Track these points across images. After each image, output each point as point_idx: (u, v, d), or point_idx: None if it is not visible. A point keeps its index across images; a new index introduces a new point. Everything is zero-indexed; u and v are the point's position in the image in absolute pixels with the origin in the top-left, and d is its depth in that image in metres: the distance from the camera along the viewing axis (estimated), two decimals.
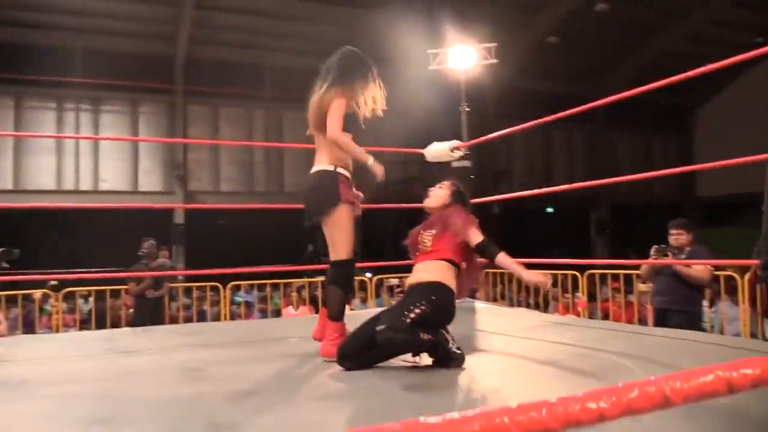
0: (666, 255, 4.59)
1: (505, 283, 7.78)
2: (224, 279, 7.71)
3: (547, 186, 18.38)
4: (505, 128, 4.02)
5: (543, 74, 16.74)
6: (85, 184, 14.73)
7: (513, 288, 7.59)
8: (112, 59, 14.45)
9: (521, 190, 11.90)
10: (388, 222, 16.70)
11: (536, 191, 4.34)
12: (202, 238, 15.05)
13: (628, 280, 6.36)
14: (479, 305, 4.20)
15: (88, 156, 14.79)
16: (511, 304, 7.18)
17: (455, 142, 4.03)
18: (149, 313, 6.41)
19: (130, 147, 15.06)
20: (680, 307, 4.56)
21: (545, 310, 7.17)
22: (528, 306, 7.10)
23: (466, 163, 4.18)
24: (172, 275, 7.60)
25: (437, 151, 3.95)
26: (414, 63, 14.01)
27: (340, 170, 2.93)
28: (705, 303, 5.47)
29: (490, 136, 4.31)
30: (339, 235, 2.83)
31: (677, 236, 4.81)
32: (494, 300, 7.39)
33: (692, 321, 4.49)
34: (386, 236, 16.60)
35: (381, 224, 16.66)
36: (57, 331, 6.76)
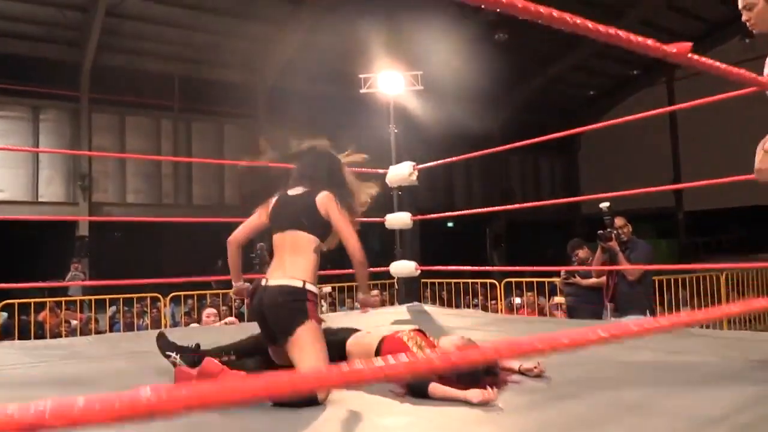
0: (610, 240, 4.78)
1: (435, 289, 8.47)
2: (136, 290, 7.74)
3: (450, 199, 19.27)
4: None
5: (450, 96, 17.76)
6: None
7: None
8: (13, 63, 13.87)
9: (427, 207, 12.54)
10: None
11: (492, 209, 4.95)
12: (107, 251, 14.69)
13: (541, 288, 7.20)
14: (428, 308, 4.75)
15: None
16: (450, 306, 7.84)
17: (410, 165, 4.59)
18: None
19: (31, 155, 14.47)
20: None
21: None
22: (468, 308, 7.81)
23: (416, 183, 4.73)
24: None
25: (399, 175, 4.49)
26: (337, 81, 14.55)
27: (310, 287, 2.44)
28: None
29: (438, 162, 4.92)
30: (306, 358, 2.30)
31: (624, 227, 4.91)
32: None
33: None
34: None
35: None
36: None
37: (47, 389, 2.38)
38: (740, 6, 2.46)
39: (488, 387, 2.09)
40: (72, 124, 15.07)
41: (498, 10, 0.93)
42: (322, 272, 2.74)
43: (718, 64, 1.31)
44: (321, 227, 2.57)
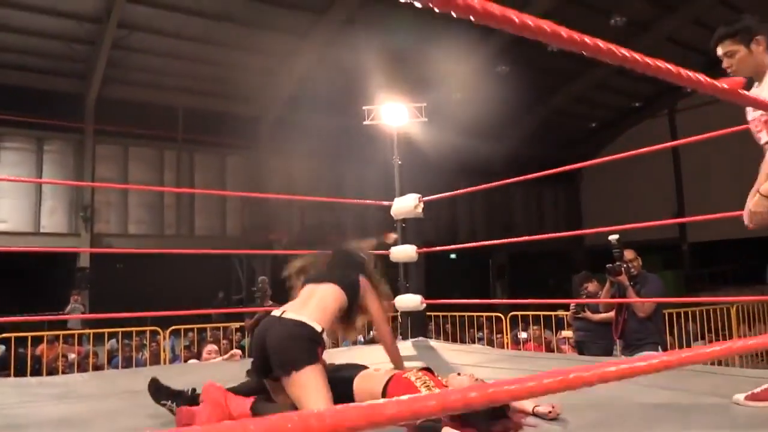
0: (620, 274, 4.57)
1: (439, 324, 8.33)
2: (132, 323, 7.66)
3: (453, 231, 19.16)
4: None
5: (452, 128, 17.83)
6: None
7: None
8: (19, 95, 13.95)
9: (432, 238, 12.38)
10: None
11: (497, 241, 4.88)
12: (108, 282, 14.58)
13: (547, 322, 7.08)
14: (434, 343, 4.63)
15: None
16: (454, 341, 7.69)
17: (415, 197, 4.52)
18: None
19: (33, 186, 14.48)
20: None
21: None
22: (473, 343, 7.66)
23: (421, 215, 4.65)
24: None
25: (404, 207, 4.42)
26: (340, 113, 14.62)
27: (325, 337, 2.40)
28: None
29: (444, 195, 4.86)
30: (313, 399, 2.17)
31: (634, 261, 4.72)
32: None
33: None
34: None
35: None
36: None
37: (37, 431, 2.27)
38: (720, 53, 2.45)
39: None
40: (76, 156, 15.11)
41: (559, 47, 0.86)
42: None
43: None
44: (355, 294, 2.61)
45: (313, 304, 2.44)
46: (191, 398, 2.41)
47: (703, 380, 2.85)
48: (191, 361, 4.92)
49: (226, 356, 5.53)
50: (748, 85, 2.50)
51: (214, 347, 5.33)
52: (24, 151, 14.55)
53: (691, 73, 0.97)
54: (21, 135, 14.43)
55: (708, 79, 1.00)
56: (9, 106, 13.75)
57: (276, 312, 2.44)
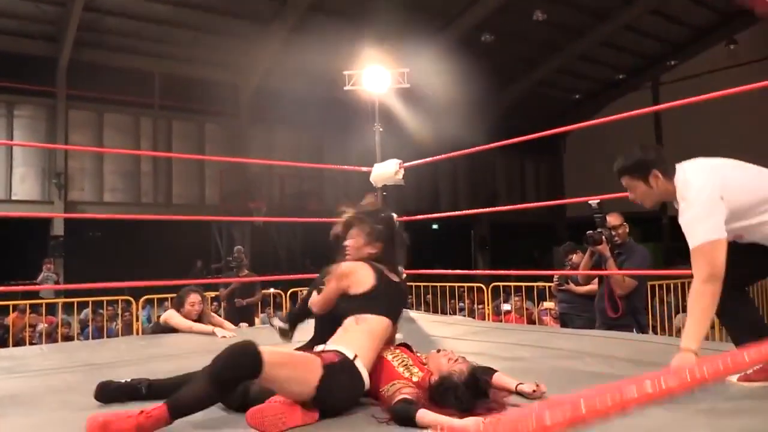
0: (600, 243, 4.04)
1: (422, 294, 8.23)
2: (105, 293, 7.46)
3: (435, 202, 19.04)
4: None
5: (431, 100, 17.58)
6: None
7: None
8: None
9: (413, 209, 12.25)
10: (282, 235, 16.79)
11: (481, 210, 4.74)
12: (83, 250, 14.29)
13: (529, 293, 7.00)
14: (414, 315, 4.51)
15: None
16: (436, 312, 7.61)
17: (396, 162, 4.35)
18: (239, 318, 6.57)
19: (4, 152, 14.05)
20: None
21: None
22: (454, 314, 7.58)
23: (402, 182, 4.48)
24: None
25: (384, 173, 4.23)
26: (321, 81, 14.30)
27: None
28: None
29: (425, 160, 4.68)
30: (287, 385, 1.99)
31: (619, 228, 4.22)
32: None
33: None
34: (279, 249, 16.70)
35: (275, 237, 16.68)
36: None
37: None
38: (624, 184, 2.46)
39: (487, 416, 1.83)
40: (48, 121, 14.66)
41: None
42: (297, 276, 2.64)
43: None
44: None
45: (375, 347, 2.23)
46: (145, 396, 2.17)
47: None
48: (169, 311, 4.30)
49: (222, 337, 4.10)
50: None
51: (198, 297, 4.51)
52: None
53: None
54: None
55: None
56: None
57: (349, 350, 2.15)
